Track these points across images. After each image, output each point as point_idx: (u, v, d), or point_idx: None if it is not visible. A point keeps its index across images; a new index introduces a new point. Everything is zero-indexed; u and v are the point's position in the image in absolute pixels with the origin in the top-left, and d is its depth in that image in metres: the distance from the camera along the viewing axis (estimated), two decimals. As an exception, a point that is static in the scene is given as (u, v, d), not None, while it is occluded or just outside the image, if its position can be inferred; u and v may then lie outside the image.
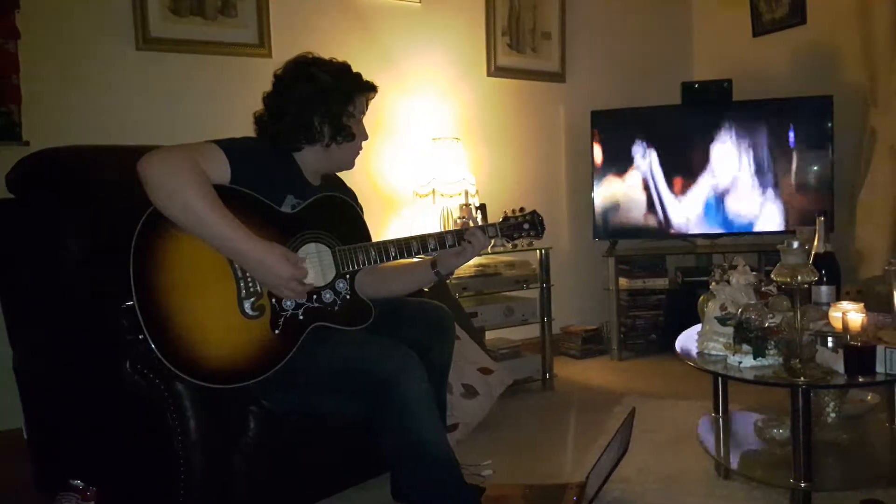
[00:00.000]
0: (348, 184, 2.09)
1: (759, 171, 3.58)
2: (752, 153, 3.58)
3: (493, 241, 1.98)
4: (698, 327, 2.13)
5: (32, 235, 1.93)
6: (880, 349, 1.71)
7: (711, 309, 2.01)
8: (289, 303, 1.69)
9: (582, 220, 3.87)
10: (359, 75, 1.86)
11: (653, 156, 3.67)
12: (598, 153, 3.70)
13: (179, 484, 1.62)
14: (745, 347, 1.87)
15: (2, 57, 2.42)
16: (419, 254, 1.88)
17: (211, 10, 2.86)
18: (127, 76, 2.72)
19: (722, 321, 1.96)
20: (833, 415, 2.11)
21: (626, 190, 3.70)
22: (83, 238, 1.87)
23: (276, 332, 1.67)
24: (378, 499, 2.01)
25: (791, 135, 3.54)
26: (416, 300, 2.03)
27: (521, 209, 2.02)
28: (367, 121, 1.93)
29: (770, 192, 3.58)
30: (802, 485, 1.77)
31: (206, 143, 1.69)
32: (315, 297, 1.74)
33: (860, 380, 1.76)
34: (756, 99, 3.61)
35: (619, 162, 3.70)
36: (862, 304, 1.84)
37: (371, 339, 1.74)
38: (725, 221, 3.63)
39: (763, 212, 3.59)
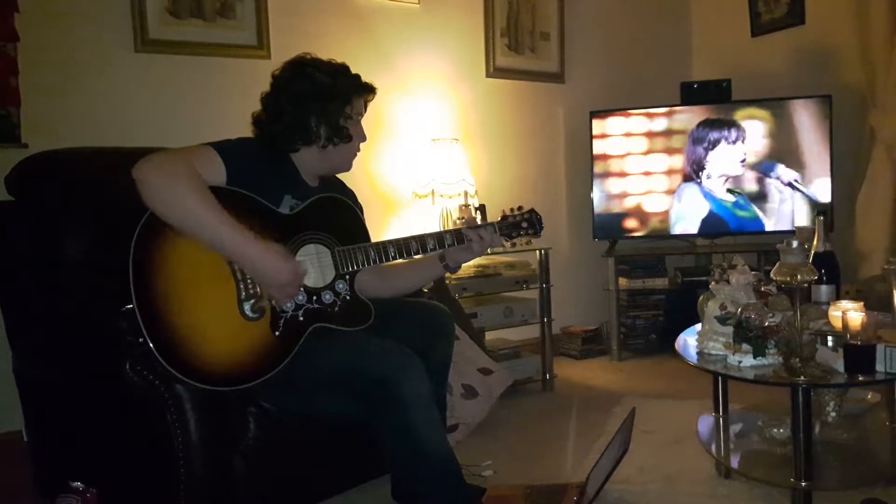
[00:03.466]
0: (347, 184, 2.08)
1: (758, 171, 3.58)
2: (750, 153, 3.59)
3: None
4: (698, 327, 2.13)
5: (32, 238, 1.93)
6: (880, 348, 1.70)
7: (711, 308, 2.01)
8: (288, 304, 1.69)
9: (581, 221, 3.87)
10: (357, 76, 1.85)
11: (652, 156, 3.67)
12: (597, 153, 3.70)
13: (179, 485, 1.62)
14: (745, 347, 1.86)
15: (1, 59, 2.42)
16: (418, 254, 1.88)
17: (209, 11, 2.86)
18: (126, 78, 2.71)
19: (721, 321, 1.95)
20: (833, 414, 2.10)
21: (625, 190, 3.70)
22: (82, 240, 1.87)
23: (277, 333, 1.66)
24: (378, 499, 2.01)
25: (790, 135, 3.54)
26: (416, 300, 2.02)
27: (519, 207, 2.02)
28: (366, 121, 1.92)
29: (769, 191, 3.58)
30: (803, 484, 1.77)
31: (200, 145, 1.69)
32: (315, 298, 1.74)
33: (860, 379, 1.76)
34: (755, 99, 3.61)
35: (618, 162, 3.70)
36: (861, 303, 1.83)
37: (371, 340, 1.74)
38: (724, 221, 3.63)
39: (762, 211, 3.60)
